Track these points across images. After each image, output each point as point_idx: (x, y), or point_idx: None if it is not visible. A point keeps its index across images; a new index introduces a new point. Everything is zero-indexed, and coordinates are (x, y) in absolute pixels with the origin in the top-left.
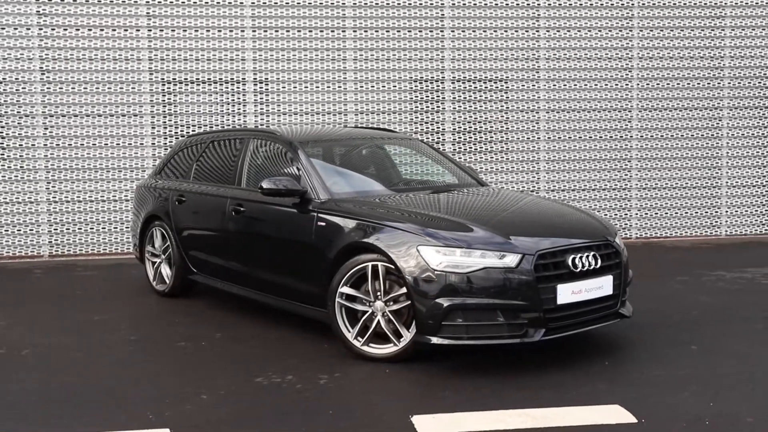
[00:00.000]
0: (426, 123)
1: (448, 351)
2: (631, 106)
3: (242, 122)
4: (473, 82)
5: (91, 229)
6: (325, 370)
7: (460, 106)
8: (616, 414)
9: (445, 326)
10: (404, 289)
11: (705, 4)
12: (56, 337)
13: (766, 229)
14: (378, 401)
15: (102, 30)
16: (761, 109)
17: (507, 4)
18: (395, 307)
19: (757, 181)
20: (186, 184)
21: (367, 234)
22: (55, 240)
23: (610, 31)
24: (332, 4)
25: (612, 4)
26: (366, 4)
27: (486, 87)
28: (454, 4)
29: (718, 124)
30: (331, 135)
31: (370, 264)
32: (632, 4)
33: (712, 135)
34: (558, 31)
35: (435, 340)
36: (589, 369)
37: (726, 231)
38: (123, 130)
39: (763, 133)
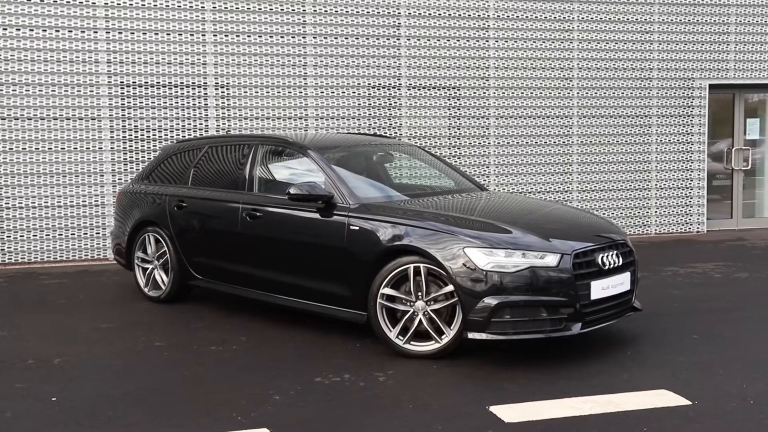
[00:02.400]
0: (383, 128)
1: (481, 347)
2: (572, 113)
3: (204, 126)
4: (428, 89)
5: (46, 236)
6: (377, 368)
7: (415, 112)
8: (669, 397)
9: (493, 323)
10: (446, 289)
11: (636, 20)
12: (78, 346)
13: (688, 228)
14: (446, 394)
15: (58, 31)
16: (684, 117)
17: (459, 15)
18: (436, 306)
19: (681, 184)
20: (185, 190)
21: (407, 237)
22: (8, 248)
23: (552, 42)
24: (292, 10)
25: (555, 18)
26: (326, 11)
27: (439, 94)
28: (409, 14)
29: (647, 131)
30: (340, 141)
31: (412, 266)
32: (572, 18)
33: (643, 141)
34: (506, 41)
35: (484, 336)
36: (616, 359)
37: (655, 230)
38: (80, 134)
39: (686, 140)
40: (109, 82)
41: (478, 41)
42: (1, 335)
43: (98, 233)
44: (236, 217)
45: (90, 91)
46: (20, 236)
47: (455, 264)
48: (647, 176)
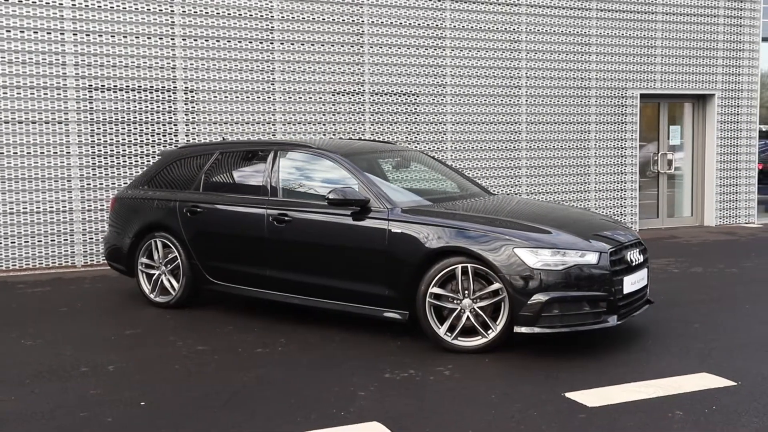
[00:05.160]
0: (348, 133)
1: (521, 341)
2: (521, 119)
3: (173, 131)
4: (389, 96)
5: (12, 243)
6: (435, 363)
7: (378, 118)
8: (714, 379)
9: (543, 317)
10: (493, 287)
11: (576, 32)
12: (120, 352)
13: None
14: (516, 384)
15: (23, 32)
16: (619, 124)
17: (419, 24)
18: (482, 303)
19: (616, 186)
20: (197, 195)
21: (455, 239)
22: None
23: (503, 52)
24: (261, 16)
25: (505, 29)
26: (293, 18)
27: (400, 100)
28: (372, 22)
29: (587, 136)
30: (357, 147)
31: (459, 266)
32: (521, 30)
33: (583, 146)
34: (461, 51)
35: (534, 329)
36: (642, 348)
37: None
38: (47, 138)
39: (621, 144)
40: (76, 85)
41: (435, 50)
42: (29, 344)
43: (66, 240)
44: (261, 221)
45: (57, 94)
46: None
47: (505, 263)
48: (587, 179)
